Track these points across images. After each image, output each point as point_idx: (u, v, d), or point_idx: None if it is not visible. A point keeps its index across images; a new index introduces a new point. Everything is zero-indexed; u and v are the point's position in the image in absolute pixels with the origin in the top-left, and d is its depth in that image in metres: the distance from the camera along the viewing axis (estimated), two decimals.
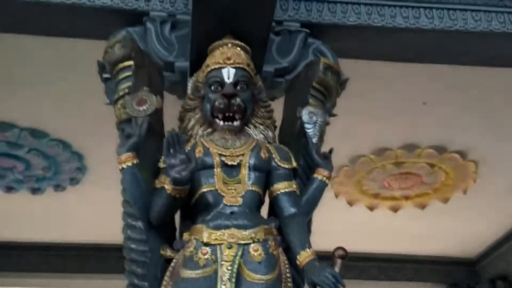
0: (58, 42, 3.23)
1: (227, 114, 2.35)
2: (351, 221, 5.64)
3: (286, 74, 2.81)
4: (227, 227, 2.15)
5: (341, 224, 5.53)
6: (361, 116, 4.18)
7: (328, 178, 2.41)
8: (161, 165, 2.30)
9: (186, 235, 2.25)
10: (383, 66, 3.51)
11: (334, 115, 2.86)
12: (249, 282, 2.08)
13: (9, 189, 4.94)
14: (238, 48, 2.45)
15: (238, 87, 2.37)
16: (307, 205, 2.36)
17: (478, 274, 6.73)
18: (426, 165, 4.88)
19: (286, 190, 2.32)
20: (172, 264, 2.21)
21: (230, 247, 2.11)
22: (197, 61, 2.57)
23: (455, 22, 3.04)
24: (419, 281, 6.75)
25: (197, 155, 2.28)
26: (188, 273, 2.11)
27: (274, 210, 2.34)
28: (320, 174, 2.40)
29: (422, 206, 5.44)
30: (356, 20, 2.97)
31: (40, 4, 2.75)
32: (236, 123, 2.36)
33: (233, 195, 2.23)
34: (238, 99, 2.34)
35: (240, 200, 2.23)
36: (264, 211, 2.41)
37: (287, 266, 2.19)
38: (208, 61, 2.45)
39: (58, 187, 5.00)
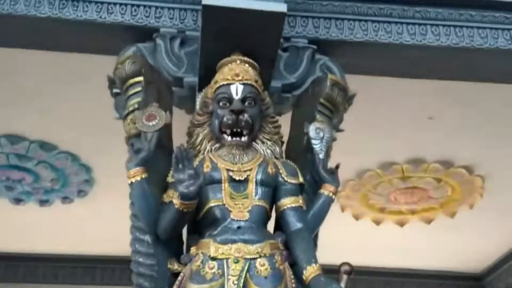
0: (69, 57, 3.27)
1: (235, 130, 2.37)
2: (357, 235, 5.63)
3: (294, 90, 2.83)
4: (234, 241, 2.18)
5: (347, 238, 5.53)
6: (368, 130, 4.20)
7: (335, 193, 2.43)
8: (170, 179, 2.33)
9: (193, 249, 2.27)
10: (390, 82, 3.53)
11: (341, 131, 2.89)
12: None
13: (18, 201, 4.98)
14: (247, 65, 2.48)
15: (246, 103, 2.40)
16: (313, 220, 2.38)
17: None
18: (433, 179, 4.89)
19: (293, 205, 2.34)
20: (179, 278, 2.23)
21: (236, 262, 2.13)
22: (206, 76, 2.60)
23: (461, 39, 3.06)
24: None
25: (205, 170, 2.31)
26: (195, 287, 2.13)
27: (281, 225, 2.36)
28: (326, 190, 2.42)
29: (428, 221, 5.44)
30: (363, 37, 2.99)
31: (52, 20, 2.79)
32: (243, 139, 2.38)
33: (240, 210, 2.26)
34: (246, 115, 2.36)
35: (247, 215, 2.25)
36: (271, 226, 2.42)
37: (293, 281, 2.20)
38: (217, 77, 2.49)
39: (66, 199, 5.03)
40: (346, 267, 2.13)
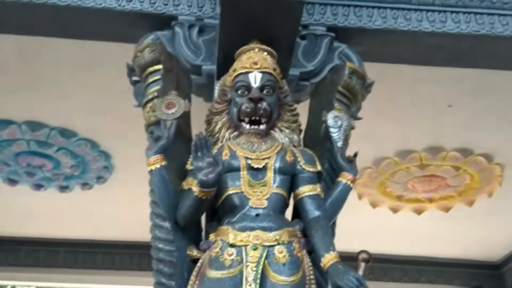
0: (89, 44, 3.30)
1: (253, 118, 2.39)
2: (374, 222, 5.63)
3: (312, 77, 2.83)
4: (252, 229, 2.19)
5: (364, 225, 5.53)
6: (386, 118, 4.19)
7: (353, 182, 2.43)
8: (189, 167, 2.35)
9: (212, 236, 2.29)
10: (409, 69, 3.51)
11: (359, 119, 2.88)
12: (273, 283, 2.12)
13: (38, 186, 5.04)
14: (265, 53, 2.49)
15: (265, 91, 2.41)
16: (331, 208, 2.39)
17: (502, 277, 6.66)
18: (451, 168, 4.86)
19: (311, 193, 2.35)
20: (198, 264, 2.25)
21: (255, 249, 2.15)
22: (224, 64, 2.61)
23: (482, 26, 3.02)
24: (442, 284, 6.70)
25: (223, 158, 2.33)
26: (214, 273, 2.15)
27: (299, 212, 2.37)
28: (344, 178, 2.42)
29: (446, 209, 5.41)
30: (382, 24, 2.97)
31: (72, 8, 2.82)
32: (262, 127, 2.40)
33: (259, 198, 2.27)
34: (264, 103, 2.37)
35: (266, 203, 2.27)
36: (289, 213, 2.44)
37: (311, 268, 2.22)
38: (235, 65, 2.49)
39: (85, 186, 5.09)
40: (364, 255, 2.13)
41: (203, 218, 2.44)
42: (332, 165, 2.53)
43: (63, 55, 3.61)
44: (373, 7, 2.98)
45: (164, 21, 2.84)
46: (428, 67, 3.44)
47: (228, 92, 2.50)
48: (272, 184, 2.31)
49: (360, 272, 2.09)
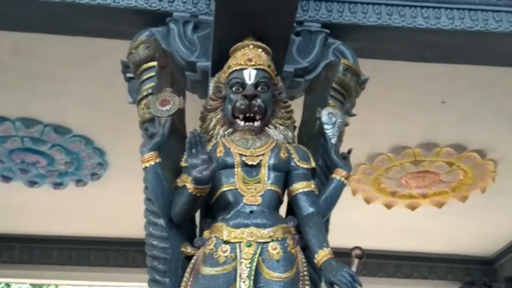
0: (83, 41, 3.28)
1: (248, 115, 2.39)
2: (368, 218, 5.66)
3: (306, 74, 2.84)
4: (246, 225, 2.20)
5: (358, 221, 5.56)
6: (380, 114, 4.20)
7: (347, 178, 2.43)
8: (183, 164, 2.35)
9: (206, 233, 2.30)
10: (403, 66, 3.52)
11: (353, 115, 2.89)
12: (267, 279, 2.12)
13: (32, 183, 5.04)
14: (260, 50, 2.48)
15: (259, 88, 2.41)
16: (325, 205, 2.39)
17: (495, 272, 6.71)
18: (445, 163, 4.88)
19: (305, 190, 2.36)
20: (193, 261, 2.25)
21: (249, 245, 2.16)
22: (219, 61, 2.61)
23: (476, 23, 3.04)
24: (436, 279, 6.75)
25: (218, 155, 2.33)
26: (208, 270, 2.16)
27: (293, 209, 2.38)
28: (338, 174, 2.43)
29: (440, 205, 5.44)
30: (377, 21, 2.98)
31: (66, 4, 2.81)
32: (256, 124, 2.40)
33: (253, 195, 2.28)
34: (259, 100, 2.37)
35: (260, 200, 2.27)
36: (283, 210, 2.44)
37: (304, 264, 2.22)
38: (230, 62, 2.49)
39: (80, 182, 5.08)
40: (357, 251, 2.14)
41: (197, 215, 2.44)
42: (326, 161, 2.54)
43: (57, 52, 3.60)
44: (368, 4, 2.99)
45: (158, 18, 2.84)
46: (422, 63, 3.44)
47: (222, 89, 2.49)
48: (266, 181, 2.32)
49: (354, 268, 2.09)
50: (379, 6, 3.01)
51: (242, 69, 2.43)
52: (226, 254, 2.16)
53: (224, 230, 2.21)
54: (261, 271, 2.13)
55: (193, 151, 2.18)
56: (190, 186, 2.20)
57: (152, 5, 2.84)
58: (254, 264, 2.12)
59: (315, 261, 2.16)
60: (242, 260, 2.13)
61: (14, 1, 2.79)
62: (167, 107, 2.34)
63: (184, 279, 2.22)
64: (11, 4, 2.81)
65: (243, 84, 2.41)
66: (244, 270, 2.11)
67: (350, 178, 4.98)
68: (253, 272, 2.11)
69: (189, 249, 2.31)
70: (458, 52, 3.22)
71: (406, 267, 6.66)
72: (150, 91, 2.51)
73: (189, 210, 2.30)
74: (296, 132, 2.63)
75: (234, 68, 2.45)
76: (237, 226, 2.20)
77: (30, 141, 4.48)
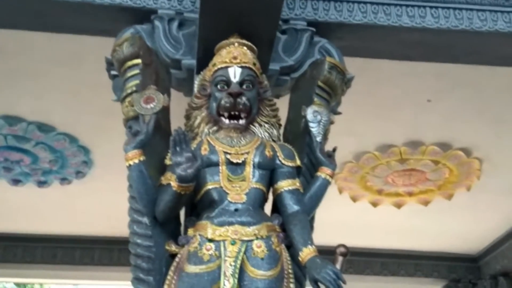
0: (67, 38, 3.26)
1: (232, 113, 2.38)
2: (355, 216, 5.67)
3: (292, 72, 2.83)
4: (231, 223, 2.19)
5: (344, 219, 5.57)
6: (366, 113, 4.21)
7: (331, 176, 2.44)
8: (168, 162, 2.35)
9: (190, 231, 2.29)
10: (389, 64, 3.53)
11: (338, 113, 2.89)
12: (251, 277, 2.12)
13: (16, 181, 4.99)
14: (245, 48, 2.48)
15: (244, 86, 2.40)
16: (310, 203, 2.40)
17: (480, 270, 6.76)
18: (430, 162, 4.91)
19: (290, 188, 2.36)
20: (177, 259, 2.25)
21: (233, 243, 2.15)
22: (204, 58, 2.60)
23: (460, 22, 3.05)
24: (422, 277, 6.79)
25: (202, 152, 2.32)
26: (192, 268, 2.15)
27: (278, 207, 2.38)
28: (323, 173, 2.43)
29: (426, 203, 5.47)
30: (362, 19, 2.98)
31: (50, 1, 2.78)
32: (241, 122, 2.39)
33: (238, 193, 2.27)
34: (244, 98, 2.37)
35: (244, 198, 2.27)
36: (268, 208, 2.44)
37: (289, 262, 2.23)
38: (215, 60, 2.48)
39: (64, 181, 5.04)
40: (341, 249, 2.14)
41: (182, 213, 2.43)
42: (311, 159, 2.54)
43: (41, 50, 3.57)
44: (354, 2, 2.99)
45: (143, 15, 2.81)
46: (408, 62, 3.46)
47: (207, 86, 2.48)
48: (251, 179, 2.31)
49: (338, 266, 2.10)
50: (365, 5, 3.01)
51: (227, 67, 2.42)
52: (210, 252, 2.16)
53: (209, 228, 2.20)
54: (245, 269, 2.13)
55: (178, 149, 2.16)
56: (174, 184, 2.19)
57: (137, 2, 2.81)
58: (239, 262, 2.12)
59: (300, 259, 2.16)
60: (226, 258, 2.13)
61: None
62: (152, 105, 2.33)
63: (168, 277, 2.22)
64: None
65: (228, 82, 2.40)
66: (228, 268, 2.11)
67: (336, 176, 5.04)
68: (237, 270, 2.11)
69: (173, 247, 2.30)
70: (443, 51, 3.23)
71: (392, 265, 6.69)
72: (134, 88, 2.50)
73: (173, 208, 2.29)
74: (281, 130, 2.63)
75: (219, 66, 2.44)
76: (222, 224, 2.20)
77: (13, 139, 4.43)
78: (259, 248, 2.16)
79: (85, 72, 3.70)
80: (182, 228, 2.43)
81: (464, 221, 5.83)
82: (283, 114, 2.68)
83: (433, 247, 6.57)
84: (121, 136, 2.59)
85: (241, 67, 2.41)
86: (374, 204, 5.53)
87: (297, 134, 2.60)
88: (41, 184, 5.06)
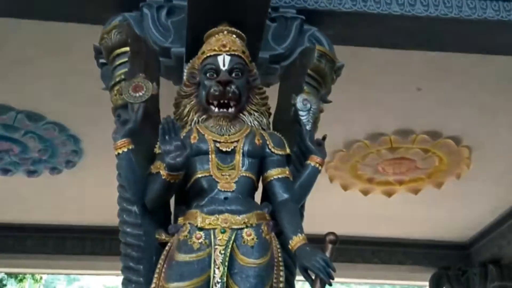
0: (56, 26, 3.23)
1: (222, 101, 2.37)
2: (345, 205, 5.69)
3: (282, 60, 2.82)
4: (221, 212, 2.19)
5: (335, 208, 5.59)
6: (356, 101, 4.21)
7: (321, 164, 2.43)
8: (157, 151, 2.33)
9: (180, 220, 2.28)
10: (378, 52, 3.53)
11: (328, 102, 2.89)
12: (242, 265, 2.12)
13: (5, 171, 4.97)
14: (234, 36, 2.46)
15: (233, 74, 2.39)
16: (300, 191, 2.39)
17: (470, 258, 6.82)
18: (420, 150, 4.92)
19: (280, 176, 2.36)
20: (167, 248, 2.24)
21: (223, 232, 2.15)
22: (193, 46, 2.58)
23: (450, 10, 3.05)
24: (412, 265, 6.85)
25: (192, 141, 2.31)
26: (182, 257, 2.15)
27: (268, 195, 2.38)
28: (313, 161, 2.43)
29: (416, 191, 5.50)
30: (352, 7, 2.98)
31: None
32: (231, 110, 2.38)
33: (227, 181, 2.27)
34: (233, 86, 2.36)
35: (234, 186, 2.26)
36: (258, 197, 2.44)
37: (279, 250, 2.23)
38: (204, 48, 2.46)
39: (54, 170, 5.03)
40: (331, 237, 2.15)
41: (171, 201, 2.42)
42: (301, 148, 2.53)
43: (30, 37, 3.54)
44: None
45: (132, 2, 2.79)
46: (398, 50, 3.46)
47: (196, 75, 2.47)
48: (241, 167, 2.31)
49: (328, 254, 2.10)
50: None
51: (216, 55, 2.40)
52: (200, 240, 2.15)
53: (199, 217, 2.20)
54: (235, 257, 2.13)
55: (167, 137, 2.16)
56: (163, 172, 2.19)
57: None
58: (229, 250, 2.12)
59: (290, 247, 2.17)
60: (216, 247, 2.13)
61: None
62: (140, 93, 2.32)
63: (158, 266, 2.21)
64: None
65: (217, 70, 2.39)
66: (218, 256, 2.11)
67: (327, 165, 5.04)
68: (227, 258, 2.11)
69: (163, 236, 2.30)
70: (433, 39, 3.24)
71: (382, 253, 6.74)
72: (123, 77, 2.48)
73: (163, 196, 2.29)
74: (271, 119, 2.62)
75: (208, 54, 2.42)
76: (212, 213, 2.19)
77: (2, 128, 4.41)
78: (249, 236, 2.16)
79: (73, 60, 3.68)
80: (172, 217, 2.42)
81: (454, 209, 5.87)
82: (272, 102, 2.67)
83: (423, 235, 6.61)
84: (111, 125, 2.57)
85: (230, 55, 2.40)
86: (365, 193, 5.55)
87: (286, 123, 2.60)
88: (30, 173, 5.04)
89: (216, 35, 2.46)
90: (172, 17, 2.78)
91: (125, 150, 2.26)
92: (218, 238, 2.14)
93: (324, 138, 2.52)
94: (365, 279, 8.30)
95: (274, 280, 2.16)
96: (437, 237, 6.68)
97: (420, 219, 6.10)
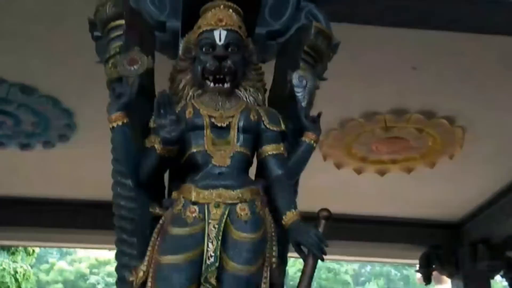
0: None
1: (217, 76, 2.35)
2: (339, 183, 5.72)
3: (278, 37, 2.80)
4: (215, 187, 2.20)
5: (328, 186, 5.62)
6: (351, 80, 4.20)
7: (316, 141, 2.44)
8: (152, 125, 2.32)
9: (175, 194, 2.29)
10: (374, 30, 3.51)
11: (324, 79, 2.88)
12: (235, 240, 2.13)
13: None
14: (230, 10, 2.44)
15: (230, 49, 2.37)
16: (294, 167, 2.40)
17: (461, 237, 6.89)
18: (414, 130, 4.93)
19: (274, 152, 2.36)
20: (161, 221, 2.25)
21: (217, 206, 2.16)
22: (189, 21, 2.55)
23: None
24: (403, 243, 6.92)
25: (187, 116, 2.30)
26: (176, 230, 2.16)
27: (262, 171, 2.38)
28: (308, 138, 2.43)
29: (409, 170, 5.52)
30: None
31: None
32: (226, 85, 2.37)
33: (222, 156, 2.27)
34: (229, 61, 2.34)
35: (229, 161, 2.26)
36: (252, 172, 2.45)
37: (273, 226, 2.24)
38: (200, 22, 2.44)
39: (47, 144, 5.01)
40: (324, 213, 2.17)
41: (166, 176, 2.43)
42: (296, 125, 2.53)
43: (23, 9, 3.49)
44: None
45: None
46: (394, 28, 3.45)
47: (192, 49, 2.45)
48: (236, 142, 2.31)
49: (321, 229, 2.12)
50: None
51: (212, 30, 2.38)
52: (194, 215, 2.16)
53: (193, 191, 2.20)
54: (229, 231, 2.14)
55: (162, 111, 2.15)
56: (158, 147, 2.19)
57: None
58: (222, 225, 2.13)
59: (283, 222, 2.18)
60: (210, 221, 2.13)
61: None
62: (135, 67, 2.30)
63: (152, 239, 2.22)
64: None
65: (213, 45, 2.37)
66: (212, 230, 2.12)
67: (321, 143, 5.04)
68: (221, 233, 2.12)
69: (157, 210, 2.30)
70: (429, 18, 3.23)
71: (374, 231, 6.78)
72: (117, 50, 2.46)
73: (157, 171, 2.29)
74: (267, 95, 2.61)
75: (204, 29, 2.40)
76: (206, 187, 2.20)
77: None
78: (243, 211, 2.17)
79: (68, 33, 3.64)
80: (166, 191, 2.43)
81: (446, 189, 5.92)
82: (268, 79, 2.66)
83: (415, 214, 6.67)
84: (105, 99, 2.54)
85: (227, 30, 2.37)
86: (358, 171, 5.58)
87: (282, 99, 2.59)
88: (24, 147, 5.02)
89: (213, 10, 2.43)
90: None
91: (120, 123, 2.24)
92: (212, 213, 2.14)
93: (319, 115, 2.52)
94: (355, 257, 8.39)
95: (267, 255, 2.18)
96: (428, 216, 6.74)
97: (412, 198, 6.15)
